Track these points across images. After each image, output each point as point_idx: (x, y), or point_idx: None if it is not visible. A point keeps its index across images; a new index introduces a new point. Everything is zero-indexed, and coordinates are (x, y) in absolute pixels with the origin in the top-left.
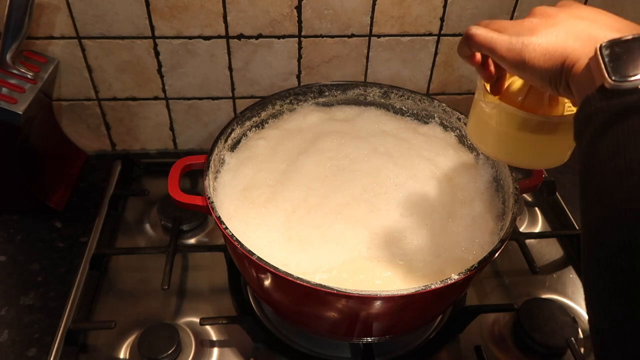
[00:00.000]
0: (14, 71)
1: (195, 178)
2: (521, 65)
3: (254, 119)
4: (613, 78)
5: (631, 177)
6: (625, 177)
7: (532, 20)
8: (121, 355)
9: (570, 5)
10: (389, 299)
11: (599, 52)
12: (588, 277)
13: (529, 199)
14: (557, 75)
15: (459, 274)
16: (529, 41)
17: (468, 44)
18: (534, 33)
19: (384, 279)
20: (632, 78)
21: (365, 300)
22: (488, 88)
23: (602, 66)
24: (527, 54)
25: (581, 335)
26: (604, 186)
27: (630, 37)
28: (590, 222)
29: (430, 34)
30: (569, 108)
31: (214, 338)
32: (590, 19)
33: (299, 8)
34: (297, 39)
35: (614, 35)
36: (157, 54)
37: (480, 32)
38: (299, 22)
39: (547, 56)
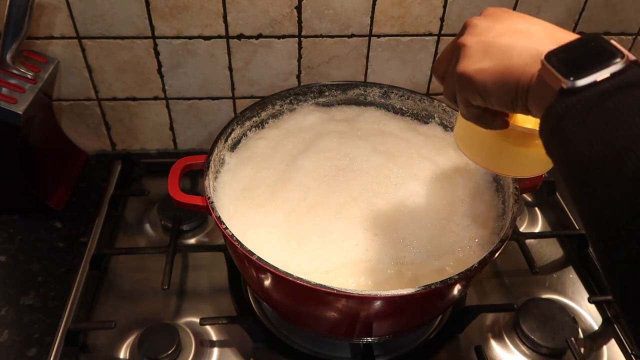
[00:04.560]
0: (14, 71)
1: (195, 178)
2: (478, 97)
3: (254, 119)
4: (570, 78)
5: (631, 153)
6: (625, 155)
7: (467, 44)
8: (121, 355)
9: (499, 16)
10: (389, 299)
11: (546, 63)
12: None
13: (529, 199)
14: (513, 98)
15: (459, 274)
16: (474, 72)
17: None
18: (475, 63)
19: (384, 279)
20: (586, 74)
21: (365, 300)
22: None
23: (555, 73)
24: (479, 86)
25: (581, 335)
26: (604, 175)
27: (568, 43)
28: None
29: (430, 34)
30: None
31: (214, 338)
32: (525, 31)
33: (299, 8)
34: (297, 39)
35: (553, 46)
36: (157, 54)
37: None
38: (299, 22)
39: (499, 82)
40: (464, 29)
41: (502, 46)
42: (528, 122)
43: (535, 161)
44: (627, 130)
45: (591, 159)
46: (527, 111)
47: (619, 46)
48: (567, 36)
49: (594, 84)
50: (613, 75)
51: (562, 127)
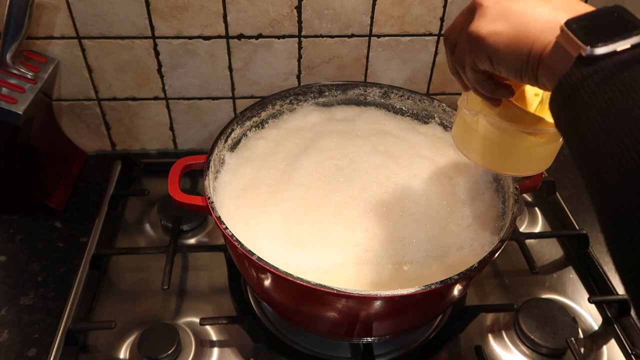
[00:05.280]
0: (14, 71)
1: (195, 178)
2: (487, 60)
3: (254, 119)
4: (590, 45)
5: None
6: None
7: (485, 4)
8: (121, 355)
9: None
10: (389, 299)
11: (566, 29)
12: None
13: (529, 199)
14: (524, 65)
15: (459, 274)
16: (487, 33)
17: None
18: (489, 24)
19: (384, 279)
20: (606, 43)
21: (365, 300)
22: (467, 97)
23: (575, 38)
24: (490, 49)
25: (581, 335)
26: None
27: (590, 12)
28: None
29: (430, 34)
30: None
31: (214, 338)
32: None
33: (299, 8)
34: (297, 39)
35: (569, 15)
36: (157, 54)
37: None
38: (299, 22)
39: (512, 47)
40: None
41: (520, 11)
42: (529, 107)
43: (534, 158)
44: None
45: (604, 130)
46: (535, 82)
47: None
48: (587, 8)
49: (614, 53)
50: (634, 46)
51: (576, 97)
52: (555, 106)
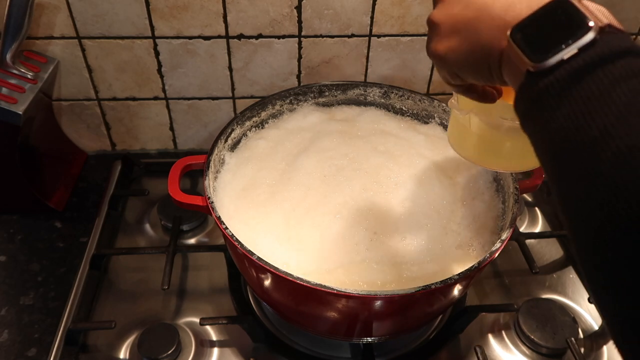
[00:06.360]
0: (14, 71)
1: (195, 178)
2: (455, 75)
3: (254, 119)
4: (536, 60)
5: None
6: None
7: (436, 21)
8: (121, 355)
9: None
10: (389, 299)
11: (511, 42)
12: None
13: (529, 199)
14: (488, 74)
15: (459, 274)
16: (445, 52)
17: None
18: (445, 41)
19: (384, 279)
20: (553, 53)
21: (365, 300)
22: (458, 97)
23: (521, 54)
24: (453, 65)
25: (581, 335)
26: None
27: (535, 12)
28: (577, 201)
29: None
30: None
31: (214, 338)
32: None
33: (299, 8)
34: (297, 39)
35: (523, 11)
36: (157, 54)
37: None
38: (299, 22)
39: (471, 60)
40: (435, 1)
41: (469, 19)
42: None
43: (529, 153)
44: (601, 117)
45: (564, 149)
46: (507, 84)
47: (590, 8)
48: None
49: (562, 62)
50: (581, 49)
51: (534, 111)
52: (519, 114)
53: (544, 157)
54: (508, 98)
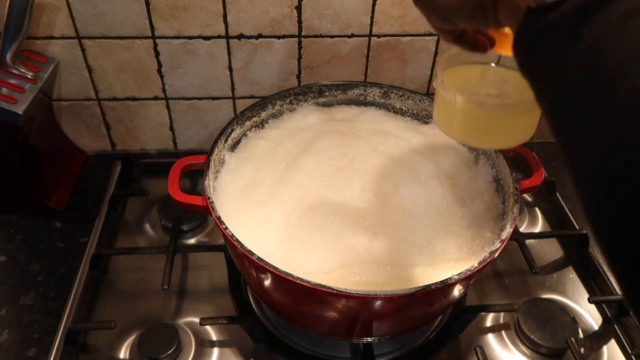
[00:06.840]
0: (14, 71)
1: (195, 178)
2: (447, 20)
3: (254, 119)
4: None
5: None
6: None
7: None
8: (121, 355)
9: None
10: (389, 299)
11: None
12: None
13: (529, 199)
14: (482, 14)
15: (459, 274)
16: None
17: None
18: None
19: (384, 279)
20: None
21: (365, 300)
22: (442, 78)
23: None
24: (445, 9)
25: (581, 335)
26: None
27: None
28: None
29: (431, 34)
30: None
31: (214, 338)
32: None
33: (299, 8)
34: (297, 39)
35: None
36: (157, 54)
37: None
38: (299, 22)
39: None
40: None
41: None
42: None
43: (516, 129)
44: (615, 54)
45: (574, 90)
46: (501, 26)
47: None
48: None
49: None
50: None
51: (537, 51)
52: (518, 55)
53: (548, 102)
54: (501, 48)
